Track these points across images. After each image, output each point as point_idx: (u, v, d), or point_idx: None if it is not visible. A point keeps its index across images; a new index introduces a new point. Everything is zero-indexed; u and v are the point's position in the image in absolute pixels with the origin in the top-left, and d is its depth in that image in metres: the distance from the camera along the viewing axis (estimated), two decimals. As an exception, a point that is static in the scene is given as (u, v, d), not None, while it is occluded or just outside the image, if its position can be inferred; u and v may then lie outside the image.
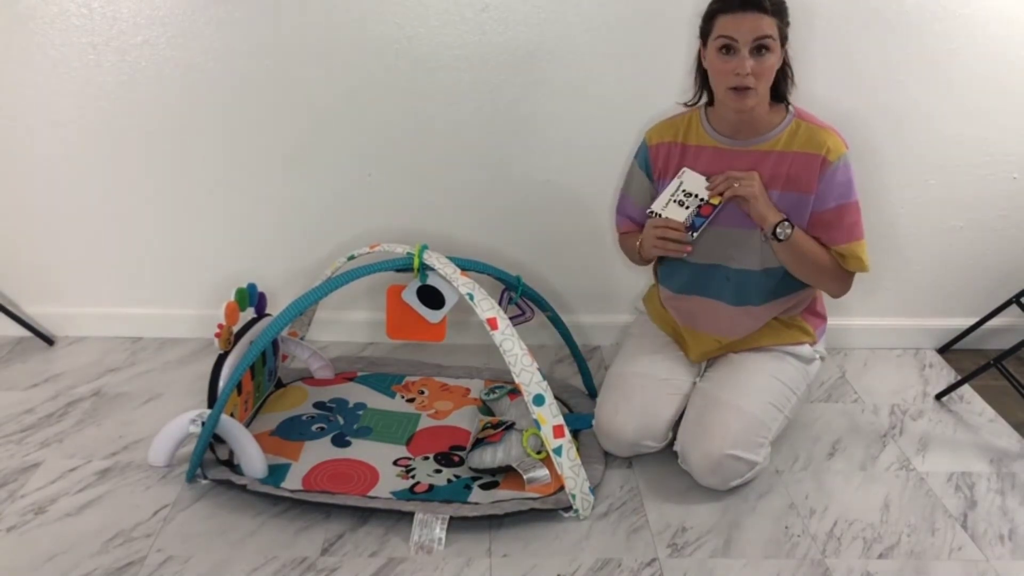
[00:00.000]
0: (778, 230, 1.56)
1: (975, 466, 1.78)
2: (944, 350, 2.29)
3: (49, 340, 2.20)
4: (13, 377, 2.03)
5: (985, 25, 1.93)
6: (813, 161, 1.58)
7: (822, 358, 1.80)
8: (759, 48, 1.50)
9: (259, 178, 2.07)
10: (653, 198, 1.68)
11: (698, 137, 1.67)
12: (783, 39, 1.54)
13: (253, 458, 1.61)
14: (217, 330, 1.65)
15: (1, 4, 1.88)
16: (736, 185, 1.55)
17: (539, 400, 1.55)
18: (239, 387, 1.70)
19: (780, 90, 1.61)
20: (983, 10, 1.92)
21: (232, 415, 1.66)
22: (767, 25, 1.48)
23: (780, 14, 1.52)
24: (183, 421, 1.61)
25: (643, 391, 1.71)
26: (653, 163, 1.73)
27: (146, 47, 1.93)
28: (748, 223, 1.61)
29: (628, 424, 1.67)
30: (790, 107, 1.63)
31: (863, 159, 2.02)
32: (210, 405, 1.66)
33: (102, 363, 2.11)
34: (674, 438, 1.72)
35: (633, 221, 1.81)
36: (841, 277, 1.67)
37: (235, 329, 1.72)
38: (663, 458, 1.73)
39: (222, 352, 1.68)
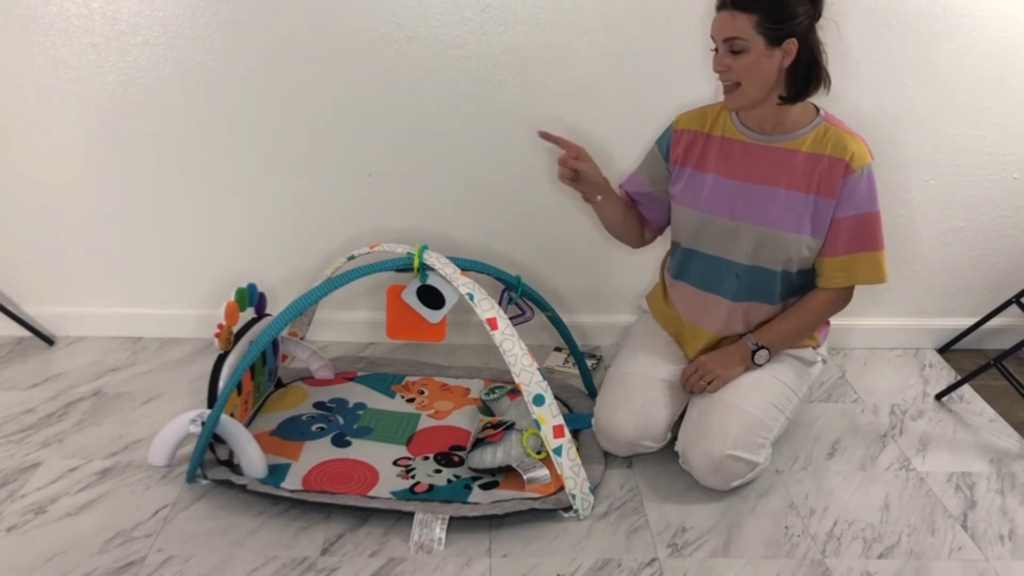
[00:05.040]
0: (757, 362, 1.70)
1: (975, 466, 1.79)
2: (944, 350, 2.29)
3: (49, 340, 2.20)
4: (13, 377, 2.03)
5: (985, 25, 1.94)
6: (837, 166, 1.57)
7: (824, 360, 1.80)
8: (731, 47, 1.50)
9: (259, 178, 2.07)
10: (666, 179, 1.73)
11: (725, 129, 1.67)
12: (774, 38, 1.47)
13: (253, 458, 1.61)
14: (217, 330, 1.65)
15: (1, 4, 1.88)
16: (706, 386, 1.68)
17: (539, 400, 1.55)
18: (239, 387, 1.69)
19: (795, 90, 1.54)
20: (983, 10, 1.92)
21: (232, 415, 1.66)
22: (737, 24, 1.47)
23: (763, 11, 1.45)
24: (183, 421, 1.61)
25: (643, 391, 1.71)
26: (673, 146, 1.72)
27: (146, 47, 1.93)
28: (783, 223, 1.60)
29: (627, 424, 1.67)
30: (820, 110, 1.62)
31: (863, 159, 2.03)
32: (210, 405, 1.66)
33: (102, 363, 2.11)
34: (674, 438, 1.72)
35: (629, 195, 1.81)
36: (836, 308, 1.71)
37: (235, 329, 1.72)
38: (663, 458, 1.73)
39: (222, 352, 1.68)
